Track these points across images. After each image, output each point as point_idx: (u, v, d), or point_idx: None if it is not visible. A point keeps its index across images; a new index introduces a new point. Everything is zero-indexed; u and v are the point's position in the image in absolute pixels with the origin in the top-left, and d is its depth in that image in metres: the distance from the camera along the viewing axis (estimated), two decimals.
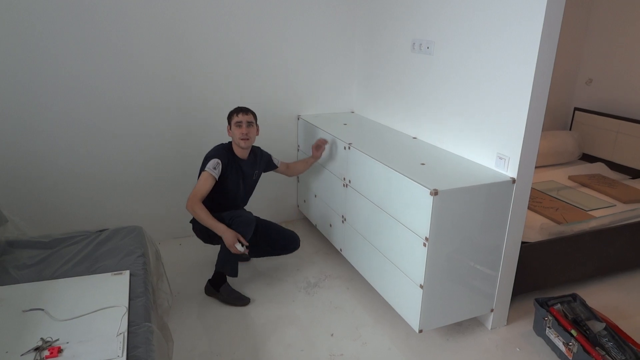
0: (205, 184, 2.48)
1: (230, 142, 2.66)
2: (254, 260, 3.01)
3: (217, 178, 2.50)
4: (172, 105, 3.01)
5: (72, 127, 2.81)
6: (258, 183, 2.87)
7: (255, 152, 2.77)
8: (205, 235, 2.64)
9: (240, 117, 2.56)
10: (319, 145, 2.91)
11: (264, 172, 2.90)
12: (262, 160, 2.81)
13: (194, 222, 2.67)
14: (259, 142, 2.89)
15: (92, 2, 2.64)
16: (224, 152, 2.58)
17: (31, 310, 1.76)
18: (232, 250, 2.42)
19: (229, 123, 2.60)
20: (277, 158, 2.92)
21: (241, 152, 2.63)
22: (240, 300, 2.57)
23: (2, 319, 1.70)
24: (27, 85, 2.65)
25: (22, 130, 2.71)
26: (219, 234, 2.42)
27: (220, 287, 2.59)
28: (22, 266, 2.06)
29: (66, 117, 2.78)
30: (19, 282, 1.94)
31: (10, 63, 2.58)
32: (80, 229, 2.44)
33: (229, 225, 2.46)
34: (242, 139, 2.55)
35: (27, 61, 2.61)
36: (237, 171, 2.63)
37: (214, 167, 2.49)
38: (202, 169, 2.53)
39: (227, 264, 2.54)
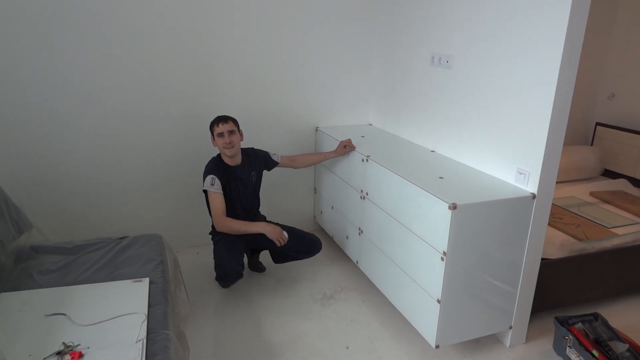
0: (217, 200, 2.55)
1: (219, 154, 2.69)
2: (270, 270, 3.02)
3: (221, 191, 2.57)
4: (192, 115, 3.06)
5: (94, 139, 2.88)
6: (275, 193, 2.88)
7: (249, 153, 2.79)
8: None
9: (221, 128, 2.58)
10: (348, 146, 2.89)
11: (268, 170, 2.90)
12: (257, 160, 2.81)
13: (212, 233, 2.72)
14: (278, 149, 2.91)
15: (109, 18, 2.72)
16: (214, 165, 2.64)
17: (54, 315, 1.79)
18: (280, 243, 2.58)
19: (212, 134, 2.63)
20: (276, 154, 2.91)
21: (230, 160, 2.66)
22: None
23: (25, 322, 1.74)
24: (49, 101, 2.73)
25: (46, 143, 2.79)
26: (261, 231, 2.56)
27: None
28: (45, 271, 2.11)
29: (87, 129, 2.85)
30: (42, 287, 1.99)
31: (32, 81, 2.66)
32: (101, 236, 2.49)
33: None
34: (225, 148, 2.59)
35: (48, 78, 2.69)
36: (233, 179, 2.66)
37: (212, 184, 2.56)
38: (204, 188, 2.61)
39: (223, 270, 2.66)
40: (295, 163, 2.98)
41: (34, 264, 2.17)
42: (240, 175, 2.69)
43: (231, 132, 2.59)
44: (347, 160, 2.94)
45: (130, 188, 3.06)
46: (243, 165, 2.72)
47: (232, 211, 2.66)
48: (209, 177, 2.57)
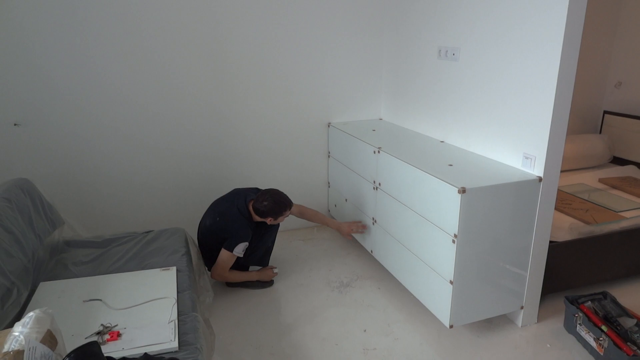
0: (230, 262, 2.63)
1: (247, 208, 2.65)
2: (287, 260, 3.13)
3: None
4: (207, 116, 3.19)
5: (122, 142, 3.04)
6: (290, 189, 2.98)
7: None
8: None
9: (287, 215, 2.72)
10: (354, 230, 3.02)
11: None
12: None
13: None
14: (291, 145, 3.01)
15: (144, 32, 2.88)
16: (247, 223, 2.61)
17: (90, 300, 1.93)
18: (271, 277, 2.88)
19: (276, 215, 2.64)
20: None
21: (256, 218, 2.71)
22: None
23: (65, 307, 1.88)
24: (83, 105, 2.90)
25: (77, 145, 2.96)
26: (258, 279, 2.82)
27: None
28: (79, 263, 2.25)
29: (116, 132, 3.01)
30: (78, 277, 2.13)
31: (64, 83, 2.82)
32: (127, 231, 2.63)
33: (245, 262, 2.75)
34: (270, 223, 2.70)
35: (78, 79, 2.85)
36: (258, 229, 2.72)
37: (243, 250, 2.60)
38: (229, 238, 2.57)
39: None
40: (301, 216, 3.01)
41: (68, 256, 2.32)
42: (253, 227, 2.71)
43: None
44: (359, 153, 3.04)
45: (154, 187, 3.20)
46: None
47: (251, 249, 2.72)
48: (242, 245, 2.58)
